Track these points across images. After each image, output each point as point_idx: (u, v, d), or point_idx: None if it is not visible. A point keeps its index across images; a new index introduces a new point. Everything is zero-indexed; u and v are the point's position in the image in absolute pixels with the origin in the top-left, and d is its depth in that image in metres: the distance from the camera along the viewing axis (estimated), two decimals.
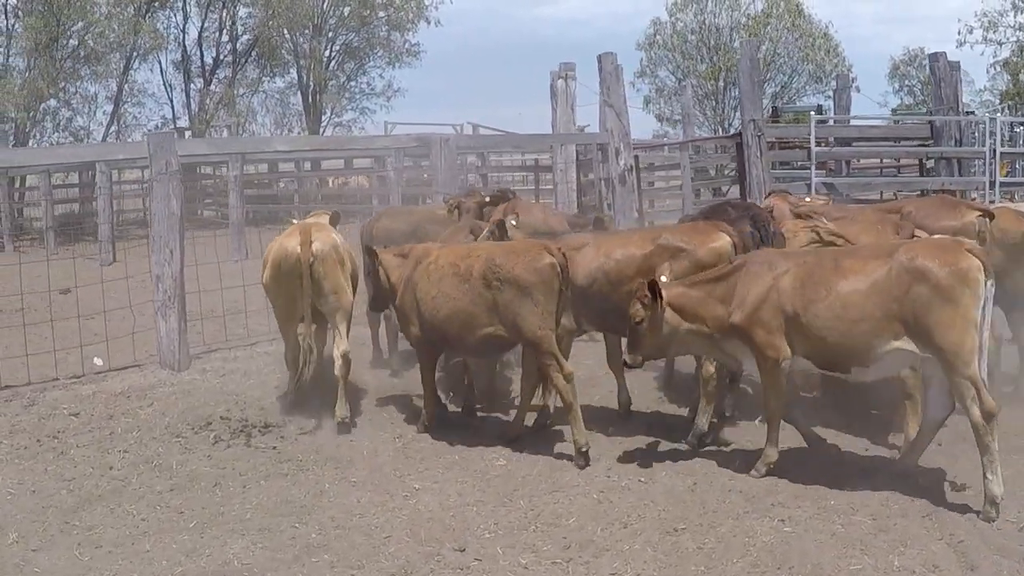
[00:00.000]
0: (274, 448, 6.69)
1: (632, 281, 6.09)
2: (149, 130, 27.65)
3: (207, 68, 28.82)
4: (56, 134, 25.00)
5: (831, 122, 15.10)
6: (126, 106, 27.50)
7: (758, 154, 11.51)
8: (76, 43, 23.94)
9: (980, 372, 5.15)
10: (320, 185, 25.81)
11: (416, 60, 31.76)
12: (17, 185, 21.22)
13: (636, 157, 12.92)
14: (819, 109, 16.26)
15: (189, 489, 5.95)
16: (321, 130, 31.08)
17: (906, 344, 5.27)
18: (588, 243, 6.70)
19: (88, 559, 5.02)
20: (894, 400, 6.34)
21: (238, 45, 29.19)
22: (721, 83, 33.21)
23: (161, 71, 28.60)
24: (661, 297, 5.71)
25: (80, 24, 23.44)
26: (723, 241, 6.32)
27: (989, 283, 5.19)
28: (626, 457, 6.17)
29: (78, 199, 23.83)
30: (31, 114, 23.42)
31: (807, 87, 35.89)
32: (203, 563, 4.92)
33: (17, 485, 6.08)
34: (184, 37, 28.72)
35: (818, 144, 13.80)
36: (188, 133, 27.59)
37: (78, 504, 5.74)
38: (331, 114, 31.20)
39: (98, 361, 9.12)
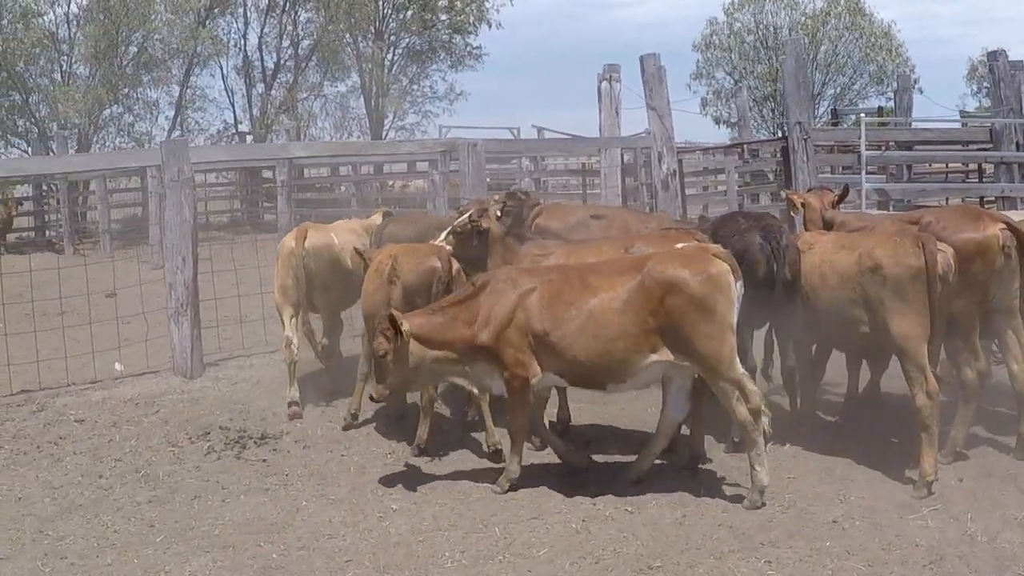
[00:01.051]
0: (264, 461, 6.63)
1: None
2: (211, 135, 28.39)
3: (267, 73, 29.29)
4: (119, 139, 25.72)
5: (891, 124, 14.47)
6: (188, 111, 28.11)
7: (804, 158, 11.03)
8: (136, 50, 24.55)
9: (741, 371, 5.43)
10: (381, 188, 25.99)
11: (478, 63, 31.77)
12: (81, 189, 21.85)
13: (680, 161, 12.52)
14: (880, 111, 15.58)
15: (168, 501, 5.93)
16: (384, 134, 31.30)
17: (664, 356, 5.37)
18: (555, 252, 6.45)
19: (49, 570, 5.04)
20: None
21: (299, 50, 29.58)
22: (780, 85, 32.29)
23: (223, 76, 29.25)
24: (402, 330, 5.58)
25: (140, 33, 24.03)
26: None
27: (739, 284, 5.39)
28: (618, 482, 5.87)
29: (141, 202, 24.44)
30: (93, 119, 24.11)
31: (868, 88, 34.70)
32: None
33: (6, 491, 6.17)
34: (245, 43, 29.27)
35: (877, 148, 13.22)
36: (249, 138, 28.10)
37: (57, 513, 5.78)
38: (393, 118, 31.44)
39: (118, 366, 9.24)
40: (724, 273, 5.36)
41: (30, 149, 24.17)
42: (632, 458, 6.20)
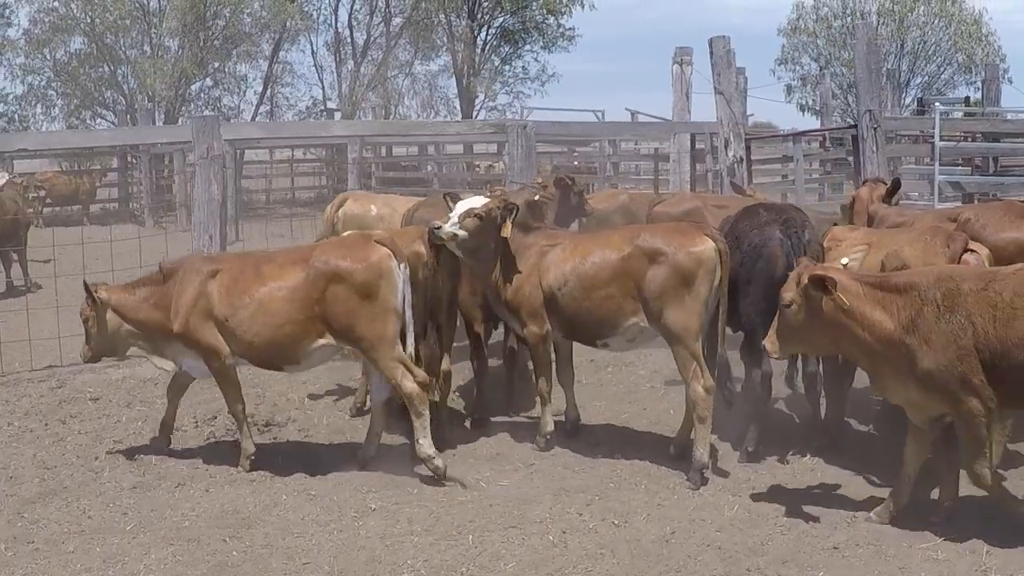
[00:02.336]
0: (260, 450, 6.47)
1: (609, 285, 5.75)
2: (300, 111, 28.76)
3: (357, 50, 29.48)
4: (206, 112, 26.25)
5: (979, 115, 13.41)
6: (277, 87, 28.58)
7: (874, 148, 10.26)
8: (223, 24, 25.01)
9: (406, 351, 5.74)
10: (468, 169, 25.85)
11: (571, 44, 31.29)
12: (166, 162, 22.44)
13: (748, 148, 11.88)
14: (967, 101, 14.50)
15: (151, 488, 5.88)
16: (475, 114, 31.17)
17: (330, 340, 5.75)
18: (563, 242, 6.11)
19: (11, 555, 5.02)
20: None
21: (390, 27, 29.65)
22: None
23: (312, 52, 29.59)
24: (97, 298, 6.07)
25: (228, 7, 24.47)
26: (705, 246, 5.70)
27: (402, 267, 5.72)
28: (610, 492, 5.52)
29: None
30: (180, 93, 24.74)
31: (956, 78, 32.57)
32: (113, 571, 4.81)
33: (1, 470, 6.16)
34: (335, 19, 29.53)
35: (965, 139, 12.29)
36: (338, 115, 28.38)
37: (40, 495, 5.80)
38: (484, 98, 31.28)
39: None
40: (385, 258, 5.68)
41: (116, 120, 25.00)
42: (642, 463, 5.86)
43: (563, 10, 30.18)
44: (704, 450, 5.65)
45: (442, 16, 30.29)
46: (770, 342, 4.97)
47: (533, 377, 6.61)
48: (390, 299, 5.68)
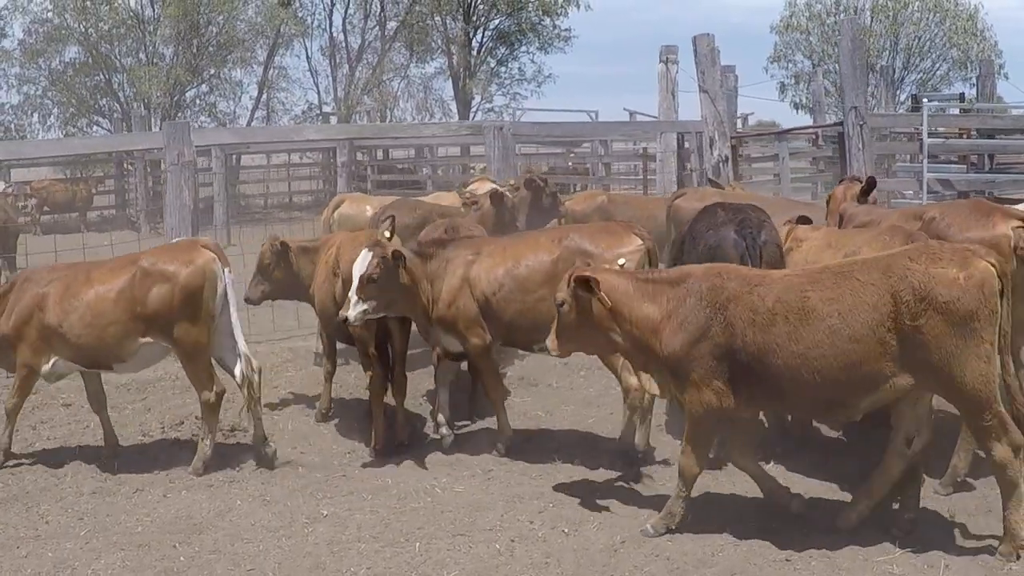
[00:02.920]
0: (222, 455, 6.50)
1: (542, 287, 5.83)
2: (296, 116, 28.83)
3: (352, 54, 29.51)
4: (202, 118, 26.41)
5: (974, 111, 13.32)
6: (273, 92, 28.64)
7: (860, 145, 10.24)
8: (216, 31, 25.09)
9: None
10: (464, 171, 25.85)
11: (567, 46, 31.26)
12: (162, 168, 22.49)
13: (733, 147, 11.87)
14: (961, 98, 14.42)
15: (110, 493, 5.94)
16: (471, 116, 31.15)
17: (155, 339, 6.03)
18: (487, 248, 6.17)
19: None
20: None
21: (385, 31, 29.67)
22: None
23: (307, 57, 29.64)
24: None
25: (221, 14, 24.54)
26: (635, 245, 5.87)
27: (226, 272, 6.06)
28: (564, 499, 5.50)
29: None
30: (175, 99, 24.82)
31: (951, 74, 32.30)
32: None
33: None
34: (330, 23, 29.57)
35: (960, 135, 12.22)
36: (333, 119, 28.43)
37: (2, 500, 5.89)
38: (480, 100, 31.26)
39: None
40: (209, 262, 6.00)
41: (112, 128, 25.11)
42: (601, 470, 5.86)
43: (559, 11, 30.14)
44: (642, 442, 5.90)
45: (437, 19, 30.32)
46: (551, 341, 5.13)
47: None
48: (211, 303, 6.00)
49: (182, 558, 4.96)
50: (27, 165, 21.46)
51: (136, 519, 5.49)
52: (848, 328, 4.44)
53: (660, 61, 13.41)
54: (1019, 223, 5.21)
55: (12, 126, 25.66)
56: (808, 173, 15.38)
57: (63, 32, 24.90)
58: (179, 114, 24.86)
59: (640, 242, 5.86)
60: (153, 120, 23.73)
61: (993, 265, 4.40)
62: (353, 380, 7.97)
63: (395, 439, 6.52)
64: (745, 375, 4.65)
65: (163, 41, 24.84)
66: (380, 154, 25.82)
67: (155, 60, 25.02)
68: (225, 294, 6.08)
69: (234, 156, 25.57)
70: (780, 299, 4.57)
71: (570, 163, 22.08)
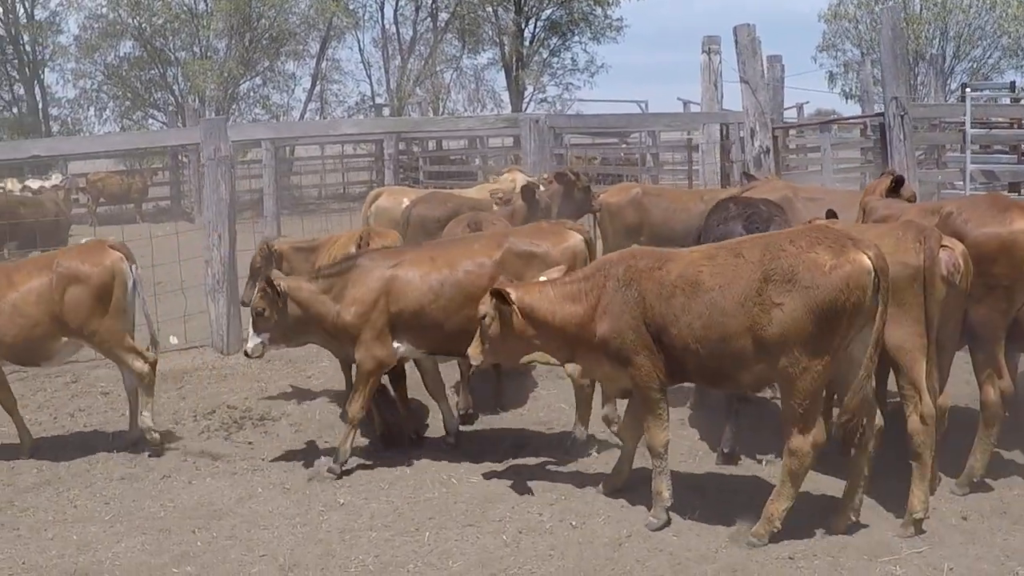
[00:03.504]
0: (249, 443, 6.77)
1: (484, 293, 5.62)
2: (349, 107, 29.17)
3: (404, 45, 29.74)
4: (255, 112, 26.90)
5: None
6: (326, 84, 29.02)
7: (901, 137, 10.02)
8: (267, 24, 25.50)
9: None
10: (515, 161, 25.88)
11: (620, 36, 31.11)
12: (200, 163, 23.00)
13: (775, 138, 11.72)
14: (1012, 87, 13.95)
15: (139, 480, 6.14)
16: (524, 107, 31.20)
17: (72, 336, 6.33)
18: (409, 257, 6.02)
19: None
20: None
21: (437, 22, 29.85)
22: (911, 57, 29.47)
23: (360, 49, 29.94)
24: None
25: (273, 8, 24.94)
26: (574, 240, 6.04)
27: (134, 267, 6.46)
28: (576, 492, 5.56)
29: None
30: (228, 92, 25.33)
31: (1002, 62, 31.12)
32: (83, 558, 5.06)
33: (2, 461, 6.47)
34: (382, 15, 29.85)
35: (1010, 125, 11.89)
36: (386, 110, 28.72)
37: (35, 485, 6.11)
38: (533, 90, 31.29)
39: (173, 340, 9.59)
40: (117, 261, 6.37)
41: (167, 121, 25.74)
42: (610, 466, 5.89)
43: (610, 1, 29.97)
44: (582, 426, 6.19)
45: (488, 9, 30.38)
46: (473, 351, 5.31)
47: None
48: (121, 299, 6.39)
49: (199, 543, 5.14)
50: (82, 158, 22.05)
51: (160, 504, 5.69)
52: (724, 301, 4.63)
53: (703, 52, 13.27)
54: None
55: (68, 120, 26.45)
56: (859, 163, 15.07)
57: (117, 27, 25.57)
58: (232, 107, 25.35)
59: (578, 237, 6.02)
60: (207, 113, 24.24)
61: (872, 260, 4.42)
62: None
63: (401, 429, 6.58)
64: (658, 346, 4.90)
65: (216, 35, 25.33)
66: (432, 145, 26.06)
67: (208, 54, 25.54)
68: (135, 288, 6.51)
69: (288, 148, 26.04)
70: (681, 274, 4.81)
71: (622, 154, 22.00)
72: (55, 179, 18.65)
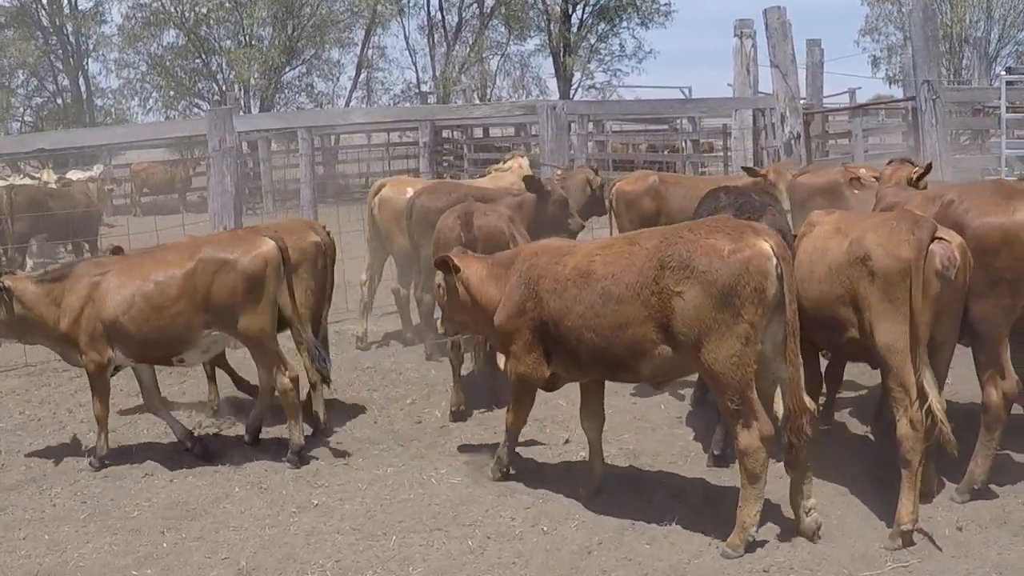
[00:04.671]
0: (231, 443, 6.62)
1: (177, 302, 5.87)
2: (395, 95, 29.18)
3: (449, 31, 29.60)
4: (299, 100, 27.07)
5: None
6: (372, 71, 29.03)
7: (933, 121, 9.58)
8: (310, 12, 25.58)
9: None
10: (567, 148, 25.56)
11: (668, 20, 30.54)
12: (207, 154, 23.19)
13: (806, 124, 11.32)
14: None
15: (120, 478, 6.13)
16: (572, 93, 30.88)
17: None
18: (115, 267, 6.12)
19: None
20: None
21: (483, 8, 29.64)
22: (956, 41, 28.11)
23: (405, 36, 29.88)
24: None
25: None
26: (267, 247, 5.99)
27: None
28: (552, 496, 5.39)
29: (321, 163, 25.66)
30: (272, 81, 25.49)
31: None
32: (50, 559, 5.05)
33: None
34: (428, 2, 29.73)
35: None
36: (431, 98, 28.65)
37: (20, 483, 6.14)
38: (581, 76, 30.91)
39: None
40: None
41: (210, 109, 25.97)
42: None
43: None
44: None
45: None
46: (438, 321, 5.89)
47: None
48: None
49: (165, 544, 5.10)
50: (126, 148, 22.40)
51: (136, 504, 5.66)
52: (617, 289, 4.65)
53: (735, 35, 12.89)
54: None
55: (112, 110, 26.91)
56: (901, 150, 14.53)
57: (160, 16, 25.89)
58: (277, 95, 25.54)
59: (270, 245, 5.99)
60: (252, 102, 24.48)
61: (772, 246, 4.39)
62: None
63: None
64: (553, 341, 5.03)
65: (259, 23, 25.50)
66: (480, 132, 25.92)
67: (253, 43, 25.72)
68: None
69: (332, 137, 26.17)
70: (575, 266, 4.90)
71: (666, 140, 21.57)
72: (96, 170, 18.95)
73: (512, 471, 5.60)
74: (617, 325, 4.64)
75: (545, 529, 4.96)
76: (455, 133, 26.20)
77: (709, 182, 9.97)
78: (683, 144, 18.27)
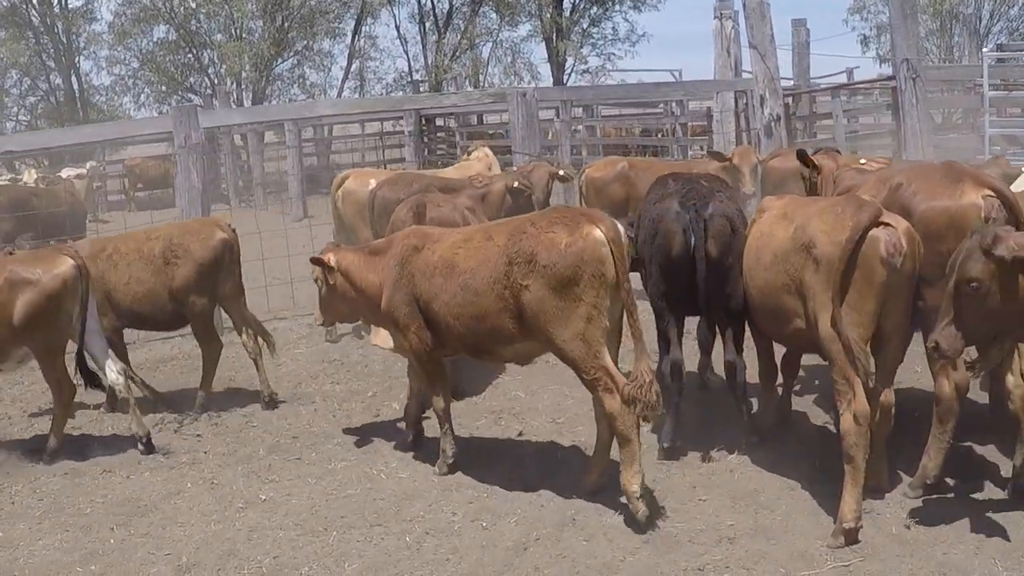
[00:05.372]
0: (197, 436, 6.78)
1: None
2: (387, 84, 29.12)
3: (440, 20, 29.48)
4: (291, 92, 27.04)
5: None
6: (364, 61, 28.98)
7: (913, 101, 9.49)
8: (300, 3, 25.51)
9: None
10: (546, 135, 25.32)
11: (661, 3, 30.34)
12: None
13: (786, 106, 11.25)
14: None
15: (81, 474, 6.20)
16: (565, 79, 30.76)
17: None
18: None
19: None
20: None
21: None
22: (947, 18, 27.70)
23: (395, 25, 29.78)
24: None
25: None
26: (65, 266, 6.15)
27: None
28: (499, 490, 5.43)
29: (315, 154, 25.68)
30: (263, 74, 25.47)
31: None
32: (3, 556, 5.08)
33: None
34: None
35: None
36: (423, 86, 28.56)
37: None
38: (574, 61, 30.77)
39: None
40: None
41: (203, 104, 25.99)
42: (550, 459, 5.69)
43: None
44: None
45: None
46: (316, 313, 6.30)
47: None
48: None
49: (112, 541, 5.16)
50: (125, 144, 22.44)
51: (90, 500, 5.73)
52: (475, 283, 5.07)
53: (715, 17, 12.80)
54: (990, 191, 4.66)
55: (105, 107, 26.95)
56: (890, 129, 14.40)
57: (150, 12, 25.89)
58: (269, 88, 25.53)
59: (69, 263, 6.15)
60: (244, 95, 24.48)
61: (604, 232, 4.73)
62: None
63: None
64: (426, 320, 5.40)
65: (249, 16, 25.45)
66: (475, 119, 25.81)
67: (243, 35, 25.69)
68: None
69: (326, 127, 26.13)
70: (442, 255, 5.28)
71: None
72: (88, 167, 19.01)
73: (452, 458, 5.64)
74: (477, 315, 5.08)
75: (485, 525, 4.99)
76: (448, 121, 26.17)
77: (681, 167, 9.94)
78: (673, 127, 18.15)
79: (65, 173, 17.82)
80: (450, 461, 5.63)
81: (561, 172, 9.16)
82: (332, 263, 5.81)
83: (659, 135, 20.05)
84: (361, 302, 5.83)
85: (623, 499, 4.92)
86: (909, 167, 5.89)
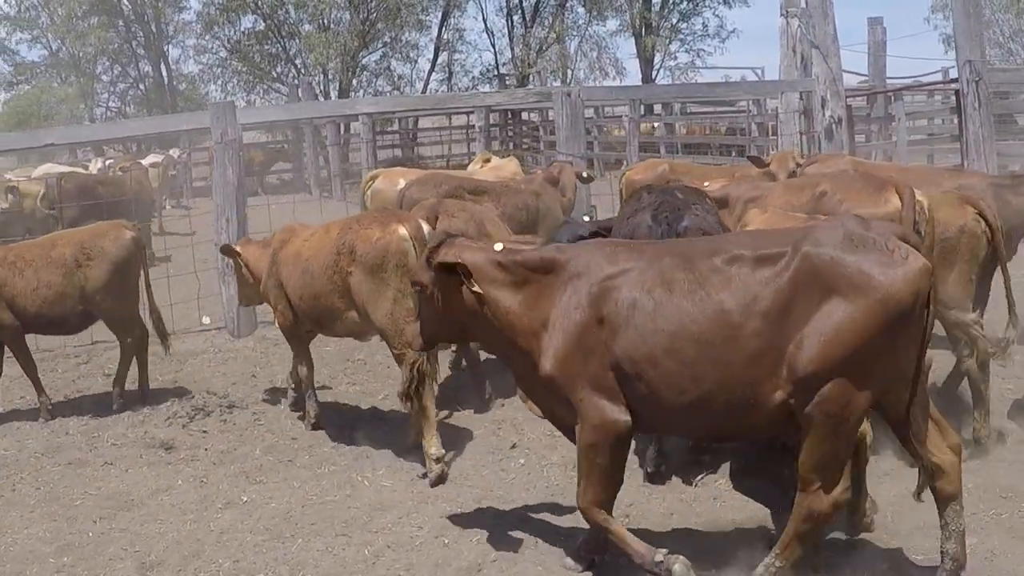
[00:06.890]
0: (203, 432, 6.90)
1: None
2: (474, 77, 29.16)
3: (527, 13, 29.33)
4: (377, 84, 27.31)
5: None
6: (453, 54, 29.04)
7: (976, 104, 8.96)
8: None
9: None
10: (600, 132, 25.00)
11: None
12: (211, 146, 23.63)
13: (848, 107, 10.78)
14: None
15: (82, 465, 6.39)
16: (654, 75, 30.28)
17: None
18: None
19: None
20: None
21: None
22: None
23: (483, 18, 29.76)
24: None
25: None
26: None
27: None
28: (471, 504, 5.33)
29: (399, 145, 25.97)
30: (348, 65, 25.77)
31: None
32: None
33: None
34: None
35: None
36: (510, 80, 28.51)
37: None
38: (662, 58, 30.21)
39: (205, 320, 9.87)
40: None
41: (288, 95, 26.54)
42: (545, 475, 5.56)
43: None
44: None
45: None
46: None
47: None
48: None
49: (91, 534, 5.31)
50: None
51: (84, 492, 5.90)
52: (313, 268, 6.09)
53: (780, 15, 12.30)
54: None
55: (192, 96, 27.74)
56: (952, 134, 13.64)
57: (238, 2, 26.46)
58: (354, 79, 25.87)
59: None
60: (330, 87, 24.88)
61: (408, 229, 5.77)
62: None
63: None
64: (286, 301, 6.47)
65: (335, 7, 25.78)
66: (537, 116, 25.63)
67: (331, 26, 26.04)
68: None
69: (411, 120, 26.38)
70: (297, 246, 6.33)
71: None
72: (173, 153, 19.69)
73: (315, 418, 6.61)
74: (314, 295, 6.13)
75: (447, 541, 4.92)
76: (532, 115, 26.04)
77: (720, 172, 9.63)
78: (748, 126, 17.66)
79: (148, 160, 18.46)
80: (313, 421, 6.64)
81: (584, 173, 9.14)
82: (239, 252, 6.94)
83: (738, 134, 19.56)
84: (256, 287, 6.83)
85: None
86: (832, 176, 5.68)
